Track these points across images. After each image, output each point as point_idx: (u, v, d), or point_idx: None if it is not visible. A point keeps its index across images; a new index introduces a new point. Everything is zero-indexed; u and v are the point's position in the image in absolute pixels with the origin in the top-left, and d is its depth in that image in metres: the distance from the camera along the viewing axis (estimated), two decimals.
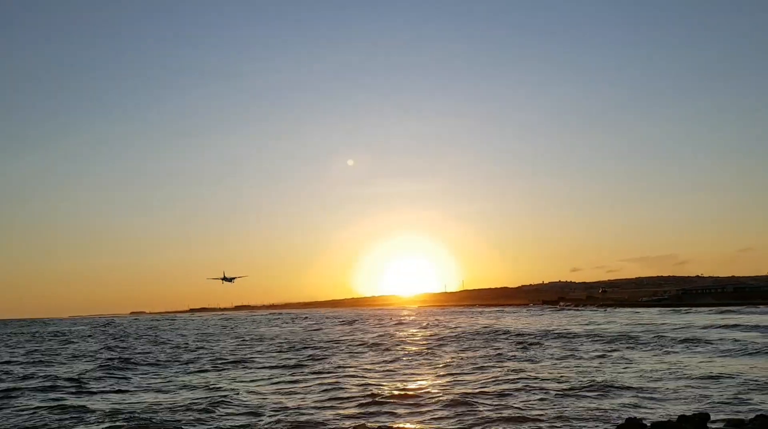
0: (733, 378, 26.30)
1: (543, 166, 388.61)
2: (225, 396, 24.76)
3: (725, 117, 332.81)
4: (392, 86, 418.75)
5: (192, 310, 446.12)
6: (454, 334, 62.52)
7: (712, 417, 16.69)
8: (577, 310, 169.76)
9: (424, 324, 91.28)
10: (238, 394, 25.49)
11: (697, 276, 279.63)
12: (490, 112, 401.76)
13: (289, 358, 41.24)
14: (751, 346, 39.50)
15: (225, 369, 36.07)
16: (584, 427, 17.95)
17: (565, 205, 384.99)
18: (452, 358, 38.62)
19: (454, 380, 28.03)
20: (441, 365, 34.45)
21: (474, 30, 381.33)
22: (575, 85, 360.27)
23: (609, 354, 38.06)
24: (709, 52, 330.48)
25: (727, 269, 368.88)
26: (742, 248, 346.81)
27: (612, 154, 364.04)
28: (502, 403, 21.77)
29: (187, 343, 61.83)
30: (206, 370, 35.49)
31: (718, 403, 21.06)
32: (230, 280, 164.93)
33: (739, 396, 22.21)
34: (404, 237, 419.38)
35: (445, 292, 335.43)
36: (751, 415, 17.04)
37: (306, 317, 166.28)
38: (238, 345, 57.49)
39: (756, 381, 25.37)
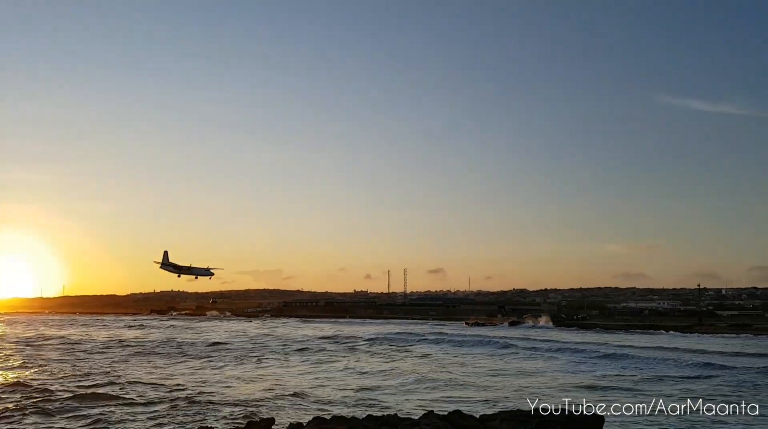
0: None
1: (182, 172, 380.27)
2: None
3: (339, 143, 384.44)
4: None
5: None
6: None
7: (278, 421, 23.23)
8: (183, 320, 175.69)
9: None
10: None
11: (298, 290, 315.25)
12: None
13: None
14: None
15: None
16: None
17: (189, 215, 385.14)
18: None
19: None
20: None
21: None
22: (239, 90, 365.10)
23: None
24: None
25: (323, 285, 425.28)
26: (339, 268, 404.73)
27: (240, 172, 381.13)
28: None
29: None
30: None
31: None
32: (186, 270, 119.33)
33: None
34: None
35: (41, 298, 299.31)
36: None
37: None
38: None
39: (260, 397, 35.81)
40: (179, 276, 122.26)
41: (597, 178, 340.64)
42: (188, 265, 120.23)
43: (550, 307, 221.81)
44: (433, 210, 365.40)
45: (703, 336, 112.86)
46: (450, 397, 35.68)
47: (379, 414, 21.42)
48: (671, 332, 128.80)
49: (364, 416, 20.45)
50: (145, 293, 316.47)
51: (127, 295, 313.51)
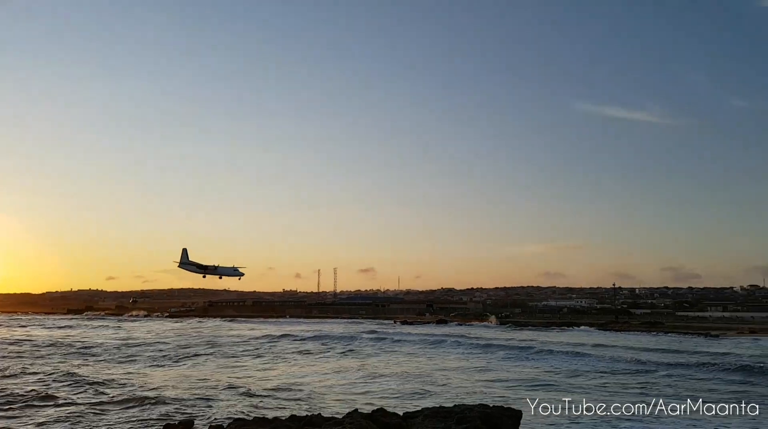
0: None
1: (90, 168, 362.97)
2: None
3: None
4: None
5: None
6: None
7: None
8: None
9: None
10: None
11: (224, 289, 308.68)
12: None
13: None
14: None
15: None
16: None
17: (106, 213, 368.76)
18: None
19: None
20: None
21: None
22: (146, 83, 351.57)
23: None
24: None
25: (251, 285, 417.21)
26: (268, 267, 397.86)
27: (159, 166, 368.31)
28: None
29: None
30: None
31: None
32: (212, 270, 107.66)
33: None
34: None
35: None
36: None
37: None
38: None
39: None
40: (204, 276, 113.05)
41: (520, 182, 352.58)
42: (214, 264, 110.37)
43: (475, 306, 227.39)
44: (364, 209, 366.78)
45: (618, 333, 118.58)
46: (385, 391, 35.88)
47: (303, 414, 21.25)
48: (586, 328, 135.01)
49: (286, 416, 20.22)
50: (62, 292, 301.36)
51: (42, 294, 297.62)
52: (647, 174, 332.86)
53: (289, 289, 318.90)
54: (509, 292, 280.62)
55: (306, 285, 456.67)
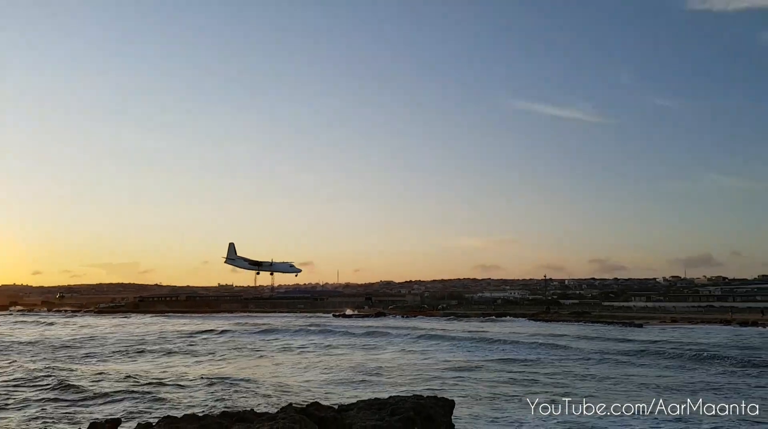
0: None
1: (14, 161, 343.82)
2: None
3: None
4: None
5: None
6: None
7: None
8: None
9: None
10: None
11: (156, 284, 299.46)
12: None
13: None
14: None
15: None
16: None
17: (31, 205, 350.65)
18: None
19: None
20: None
21: None
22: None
23: None
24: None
25: (185, 279, 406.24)
26: (203, 261, 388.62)
27: (83, 158, 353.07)
28: None
29: None
30: None
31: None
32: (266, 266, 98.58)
33: None
34: None
35: None
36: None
37: None
38: None
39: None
40: (258, 273, 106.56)
41: (456, 177, 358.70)
42: (269, 260, 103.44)
43: (414, 299, 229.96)
44: (302, 202, 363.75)
45: (549, 323, 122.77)
46: (323, 384, 35.74)
47: (235, 410, 20.91)
48: (519, 319, 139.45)
49: (218, 413, 19.84)
50: None
51: None
52: (577, 170, 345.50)
53: (225, 284, 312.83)
54: (446, 284, 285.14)
55: (242, 279, 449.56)
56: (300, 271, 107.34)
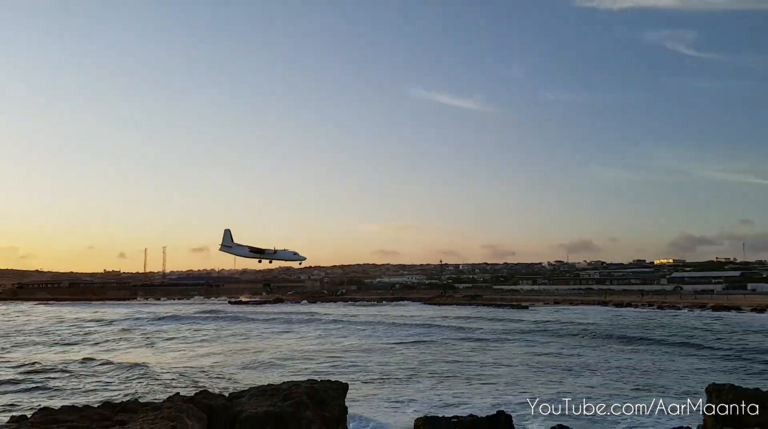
0: None
1: None
2: None
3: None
4: None
5: None
6: None
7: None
8: None
9: None
10: None
11: (37, 270, 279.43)
12: None
13: None
14: None
15: None
16: None
17: None
18: None
19: None
20: None
21: None
22: None
23: None
24: None
25: (68, 265, 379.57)
26: (87, 246, 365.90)
27: None
28: None
29: None
30: None
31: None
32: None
33: None
34: None
35: None
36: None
37: None
38: None
39: None
40: (260, 261, 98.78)
41: (356, 164, 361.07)
42: (272, 248, 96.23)
43: (313, 284, 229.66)
44: (197, 186, 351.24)
45: (444, 306, 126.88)
46: (218, 374, 34.78)
47: (118, 402, 19.91)
48: (415, 302, 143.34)
49: (99, 404, 18.79)
50: None
51: None
52: (472, 160, 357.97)
53: (111, 270, 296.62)
54: (346, 269, 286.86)
55: (131, 265, 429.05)
56: (305, 258, 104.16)
